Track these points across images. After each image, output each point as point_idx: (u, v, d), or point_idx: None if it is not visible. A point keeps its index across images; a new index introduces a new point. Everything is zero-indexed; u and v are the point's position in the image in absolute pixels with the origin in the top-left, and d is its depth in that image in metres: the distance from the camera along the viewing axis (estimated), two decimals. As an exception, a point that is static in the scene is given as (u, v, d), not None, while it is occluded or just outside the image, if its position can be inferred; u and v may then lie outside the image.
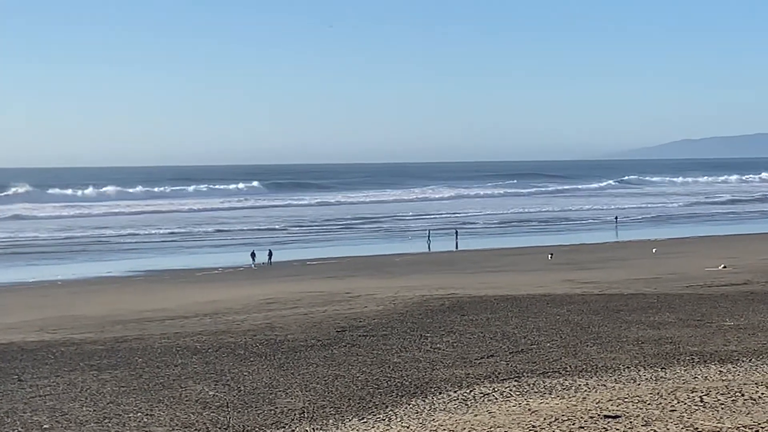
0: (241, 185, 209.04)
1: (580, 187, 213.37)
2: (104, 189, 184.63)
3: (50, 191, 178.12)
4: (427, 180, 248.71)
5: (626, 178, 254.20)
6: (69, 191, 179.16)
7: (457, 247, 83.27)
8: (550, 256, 65.00)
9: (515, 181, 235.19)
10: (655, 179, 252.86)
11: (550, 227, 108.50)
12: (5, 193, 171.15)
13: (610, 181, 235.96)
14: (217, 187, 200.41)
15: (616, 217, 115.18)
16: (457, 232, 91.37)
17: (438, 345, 23.43)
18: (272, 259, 69.20)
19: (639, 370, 19.05)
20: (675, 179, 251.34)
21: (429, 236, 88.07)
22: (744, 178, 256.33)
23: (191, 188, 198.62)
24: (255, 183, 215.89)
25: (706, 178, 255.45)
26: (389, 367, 20.62)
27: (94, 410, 17.32)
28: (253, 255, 69.53)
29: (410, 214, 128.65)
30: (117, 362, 22.52)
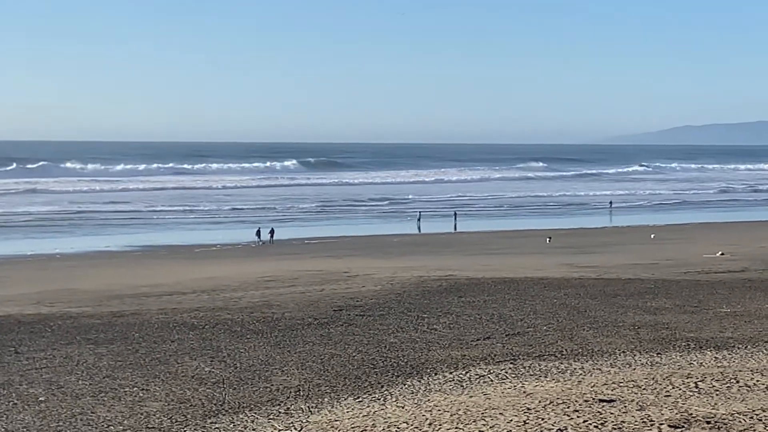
0: (272, 163, 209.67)
1: (609, 171, 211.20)
2: (131, 165, 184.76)
3: (71, 165, 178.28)
4: (449, 161, 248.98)
5: (657, 163, 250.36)
6: (90, 166, 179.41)
7: (455, 228, 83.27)
8: (548, 239, 65.03)
9: (541, 164, 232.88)
10: (673, 165, 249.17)
11: (574, 211, 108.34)
12: (27, 166, 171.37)
13: (636, 167, 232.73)
14: (243, 165, 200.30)
15: (611, 203, 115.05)
16: (456, 214, 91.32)
17: (435, 326, 23.46)
18: (274, 238, 69.18)
19: (635, 355, 19.07)
20: (694, 165, 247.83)
21: (419, 218, 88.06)
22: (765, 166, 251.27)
23: (216, 165, 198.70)
24: (288, 162, 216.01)
25: (721, 165, 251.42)
26: (385, 347, 20.65)
27: (90, 384, 17.35)
28: (258, 233, 69.58)
29: (417, 195, 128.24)
30: (114, 336, 22.55)
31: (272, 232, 69.83)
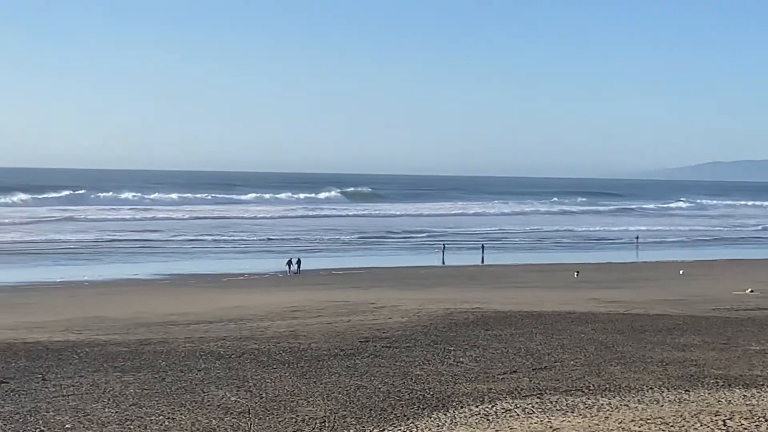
0: (311, 194, 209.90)
1: (648, 206, 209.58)
2: (166, 194, 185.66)
3: (108, 194, 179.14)
4: (487, 194, 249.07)
5: (699, 200, 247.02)
6: (128, 194, 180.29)
7: (483, 261, 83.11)
8: (576, 274, 64.82)
9: (581, 198, 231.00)
10: (714, 201, 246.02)
11: (621, 245, 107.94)
12: (65, 194, 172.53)
13: (680, 203, 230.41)
14: (281, 195, 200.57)
15: (637, 237, 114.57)
16: (483, 247, 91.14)
17: (461, 359, 23.40)
18: (300, 268, 69.20)
19: (663, 392, 18.96)
20: (731, 201, 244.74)
21: (443, 250, 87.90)
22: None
23: (252, 195, 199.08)
24: (328, 193, 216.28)
25: (755, 202, 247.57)
26: (411, 379, 20.60)
27: (117, 411, 17.38)
28: (289, 263, 69.68)
29: (450, 227, 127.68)
30: (140, 365, 22.58)
31: (299, 262, 69.84)
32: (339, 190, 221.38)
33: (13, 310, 43.66)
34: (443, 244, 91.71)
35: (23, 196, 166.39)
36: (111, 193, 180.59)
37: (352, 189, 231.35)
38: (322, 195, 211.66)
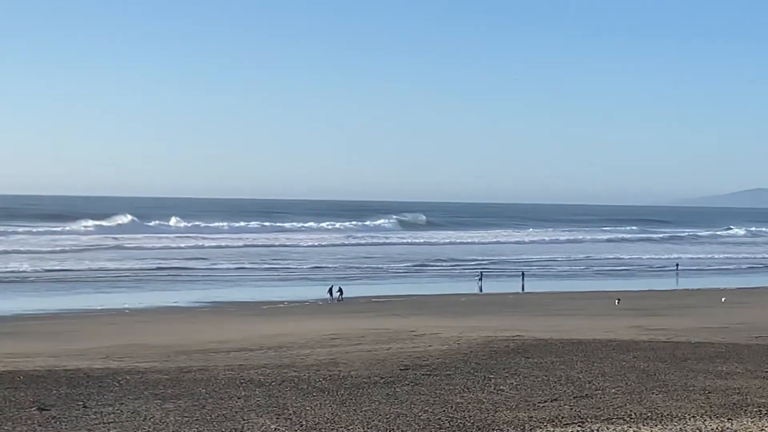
0: (366, 222, 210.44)
1: (702, 233, 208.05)
2: (214, 222, 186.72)
3: (157, 222, 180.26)
4: (541, 221, 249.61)
5: (751, 227, 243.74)
6: (177, 222, 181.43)
7: (523, 289, 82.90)
8: (617, 301, 64.51)
9: (631, 227, 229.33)
10: (763, 228, 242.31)
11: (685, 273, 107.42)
12: (117, 222, 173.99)
13: (738, 230, 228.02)
14: (336, 223, 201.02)
15: (677, 265, 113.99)
16: (523, 274, 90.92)
17: (501, 387, 23.29)
18: (343, 296, 69.19)
19: (705, 420, 18.79)
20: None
21: (481, 278, 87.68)
22: None
23: (300, 224, 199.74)
24: (383, 220, 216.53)
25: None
26: (452, 407, 20.52)
27: (157, 439, 17.38)
28: (330, 290, 69.78)
29: (496, 255, 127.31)
30: (181, 392, 22.62)
31: (340, 290, 69.85)
32: (392, 218, 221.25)
33: (55, 337, 43.94)
34: (480, 273, 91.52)
35: (82, 223, 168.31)
36: (159, 222, 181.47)
37: (405, 216, 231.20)
38: (374, 222, 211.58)
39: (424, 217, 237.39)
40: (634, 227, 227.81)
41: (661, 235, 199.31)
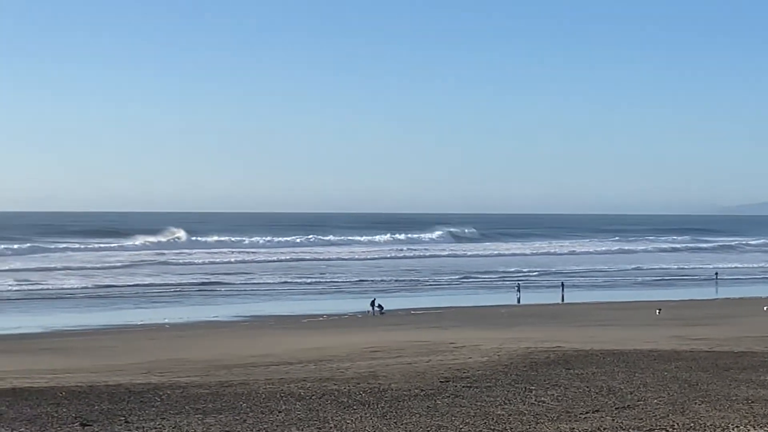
0: (416, 234, 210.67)
1: (752, 242, 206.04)
2: (259, 236, 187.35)
3: (203, 237, 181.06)
4: (590, 232, 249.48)
5: None
6: (222, 237, 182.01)
7: (563, 299, 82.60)
8: (658, 311, 64.17)
9: (682, 236, 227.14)
10: None
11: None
12: (163, 239, 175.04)
13: None
14: (381, 236, 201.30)
15: (716, 273, 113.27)
16: (563, 285, 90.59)
17: (542, 398, 23.19)
18: (384, 309, 69.05)
19: (749, 430, 18.64)
20: None
21: (518, 289, 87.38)
22: None
23: (350, 237, 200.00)
24: (435, 233, 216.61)
25: None
26: (493, 419, 20.45)
27: (198, 454, 17.41)
28: (372, 303, 69.82)
29: (540, 267, 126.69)
30: (222, 407, 22.66)
31: (380, 306, 69.69)
32: (440, 230, 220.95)
33: (96, 352, 44.17)
34: (518, 284, 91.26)
35: (133, 239, 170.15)
36: (205, 237, 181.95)
37: (453, 229, 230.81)
38: (421, 235, 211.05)
39: (473, 230, 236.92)
40: (686, 236, 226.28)
41: (711, 245, 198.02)
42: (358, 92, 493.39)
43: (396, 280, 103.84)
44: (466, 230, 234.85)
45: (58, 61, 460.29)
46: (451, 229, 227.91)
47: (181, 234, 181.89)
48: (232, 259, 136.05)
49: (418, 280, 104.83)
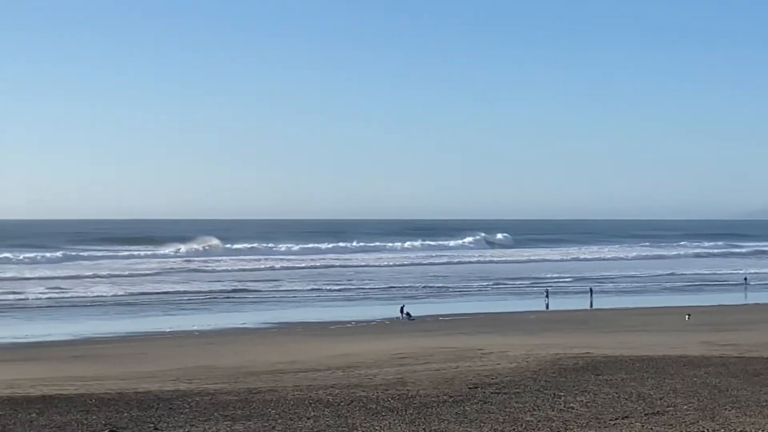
0: (453, 241, 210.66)
1: None
2: (290, 243, 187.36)
3: (233, 245, 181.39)
4: (622, 238, 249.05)
5: None
6: (252, 244, 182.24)
7: (591, 305, 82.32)
8: (687, 317, 63.87)
9: (718, 242, 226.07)
10: None
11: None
12: (195, 246, 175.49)
13: None
14: (414, 242, 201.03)
15: (745, 278, 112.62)
16: (591, 291, 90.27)
17: (571, 404, 23.13)
18: (412, 316, 68.94)
19: (780, 436, 18.53)
20: None
21: (547, 294, 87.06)
22: None
23: (381, 243, 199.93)
24: (462, 240, 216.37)
25: None
26: (522, 425, 20.41)
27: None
28: (402, 309, 69.78)
29: (570, 273, 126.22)
30: (250, 413, 22.70)
31: (408, 313, 69.56)
32: (473, 237, 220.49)
33: (125, 360, 44.31)
34: (546, 290, 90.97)
35: (166, 247, 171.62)
36: (235, 244, 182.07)
37: (486, 235, 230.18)
38: (454, 242, 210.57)
39: (507, 235, 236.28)
40: (719, 242, 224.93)
41: (745, 250, 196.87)
42: (388, 98, 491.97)
43: (424, 287, 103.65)
44: (499, 236, 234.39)
45: (95, 69, 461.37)
46: (485, 236, 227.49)
47: (212, 241, 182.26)
48: (261, 266, 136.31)
49: (447, 287, 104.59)
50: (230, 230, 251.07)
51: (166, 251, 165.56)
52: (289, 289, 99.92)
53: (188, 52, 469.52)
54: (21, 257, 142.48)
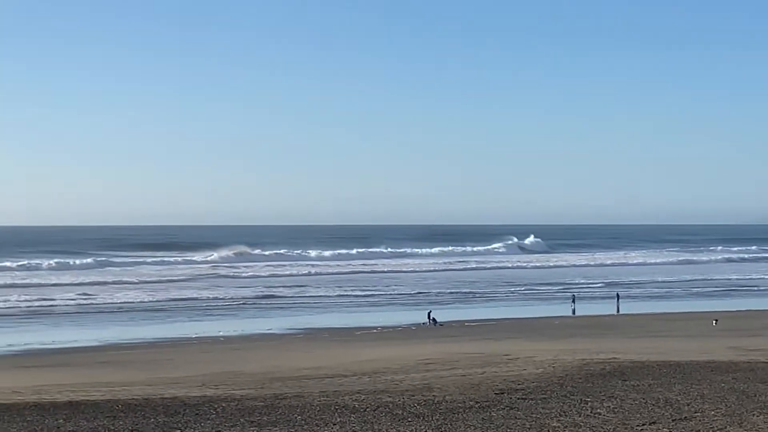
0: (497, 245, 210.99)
1: None
2: (321, 249, 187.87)
3: (264, 251, 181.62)
4: (654, 243, 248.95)
5: None
6: (281, 250, 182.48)
7: (618, 310, 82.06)
8: (714, 322, 63.57)
9: (751, 246, 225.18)
10: None
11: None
12: (226, 253, 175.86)
13: None
14: (443, 248, 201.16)
15: None
16: (618, 296, 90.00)
17: (598, 410, 23.05)
18: (438, 321, 68.88)
19: (809, 442, 18.41)
20: None
21: (574, 300, 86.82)
22: None
23: (412, 249, 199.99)
24: (499, 243, 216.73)
25: None
26: (548, 431, 20.34)
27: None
28: (429, 315, 69.79)
29: (596, 278, 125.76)
30: (276, 419, 22.71)
31: (434, 319, 69.51)
32: (506, 242, 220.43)
33: (151, 365, 44.43)
34: (573, 295, 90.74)
35: (196, 253, 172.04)
36: (263, 250, 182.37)
37: (517, 240, 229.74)
38: (485, 247, 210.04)
39: (539, 240, 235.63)
40: (752, 246, 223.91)
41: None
42: (419, 106, 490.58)
43: (451, 292, 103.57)
44: (530, 240, 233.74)
45: (121, 79, 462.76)
46: (517, 241, 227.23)
47: (241, 248, 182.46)
48: (288, 272, 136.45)
49: (473, 292, 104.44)
50: (258, 236, 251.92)
51: (195, 257, 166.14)
52: (315, 294, 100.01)
53: (210, 59, 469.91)
54: (52, 263, 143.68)
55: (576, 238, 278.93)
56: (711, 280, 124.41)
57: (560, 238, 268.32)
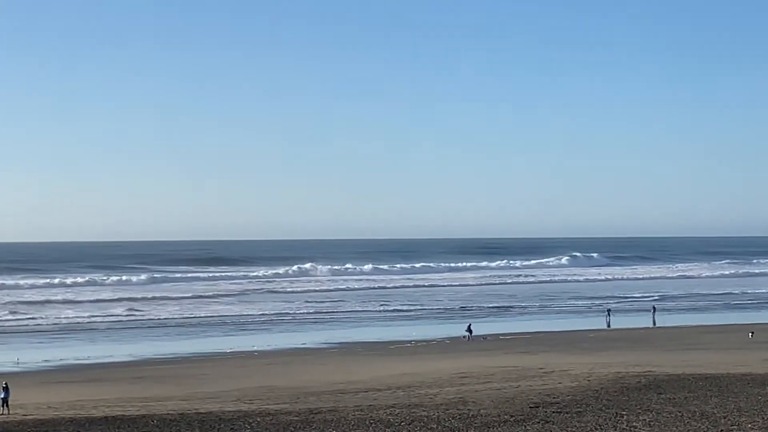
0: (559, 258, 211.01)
1: None
2: (357, 264, 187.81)
3: (310, 265, 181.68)
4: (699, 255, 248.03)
5: None
6: (324, 266, 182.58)
7: (654, 323, 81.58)
8: (750, 334, 63.12)
9: None
10: None
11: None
12: (275, 270, 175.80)
13: None
14: (486, 262, 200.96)
15: None
16: (654, 309, 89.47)
17: (634, 423, 22.94)
18: (473, 334, 68.73)
19: None
20: None
21: (608, 313, 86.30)
22: None
23: (455, 263, 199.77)
24: (553, 257, 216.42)
25: None
26: (583, 445, 20.26)
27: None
28: (468, 328, 69.65)
29: (635, 292, 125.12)
30: (311, 433, 22.70)
31: (470, 331, 69.35)
32: (563, 256, 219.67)
33: (186, 381, 44.52)
34: (608, 309, 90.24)
35: (249, 269, 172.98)
36: (310, 265, 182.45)
37: (569, 253, 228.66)
38: (532, 261, 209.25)
39: (595, 254, 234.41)
40: None
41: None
42: (467, 121, 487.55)
43: (489, 306, 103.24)
44: (579, 254, 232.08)
45: (200, 89, 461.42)
46: (575, 254, 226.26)
47: (292, 265, 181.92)
48: (326, 288, 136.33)
49: (510, 305, 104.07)
50: (308, 250, 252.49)
51: (246, 273, 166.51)
52: (353, 309, 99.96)
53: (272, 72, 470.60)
54: (108, 279, 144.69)
55: (628, 251, 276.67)
56: (748, 293, 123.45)
57: (621, 251, 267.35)
